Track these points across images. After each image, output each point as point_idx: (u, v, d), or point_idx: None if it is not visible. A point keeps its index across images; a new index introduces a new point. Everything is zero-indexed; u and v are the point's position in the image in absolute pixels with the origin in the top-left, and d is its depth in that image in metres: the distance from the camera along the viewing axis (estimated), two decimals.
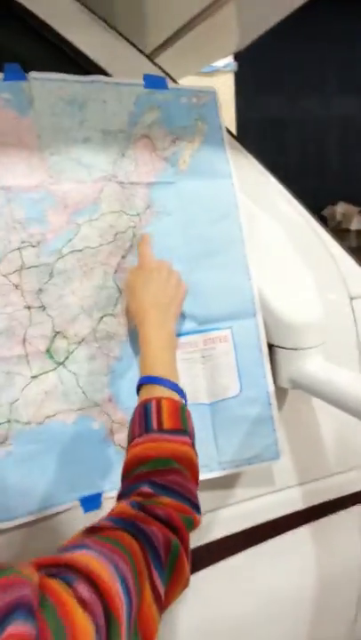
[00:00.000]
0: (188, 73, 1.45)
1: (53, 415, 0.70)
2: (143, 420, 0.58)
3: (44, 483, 0.69)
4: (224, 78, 2.70)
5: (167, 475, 0.53)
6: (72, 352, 0.71)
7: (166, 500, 0.51)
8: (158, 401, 0.59)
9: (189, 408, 0.61)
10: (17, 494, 0.68)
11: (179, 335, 0.77)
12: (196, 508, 0.54)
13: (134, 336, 0.73)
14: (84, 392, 0.71)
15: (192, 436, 0.60)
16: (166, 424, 0.57)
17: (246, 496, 0.84)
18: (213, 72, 2.50)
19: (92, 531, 0.45)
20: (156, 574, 0.43)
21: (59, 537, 0.72)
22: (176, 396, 0.61)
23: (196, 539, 0.81)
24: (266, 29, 1.07)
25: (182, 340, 0.77)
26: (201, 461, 0.75)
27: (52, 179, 0.70)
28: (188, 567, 0.48)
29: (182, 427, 0.58)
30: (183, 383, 0.76)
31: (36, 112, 0.70)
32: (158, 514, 0.48)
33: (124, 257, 0.74)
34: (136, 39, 1.09)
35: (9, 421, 0.68)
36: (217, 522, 0.83)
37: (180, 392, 0.63)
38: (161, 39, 1.11)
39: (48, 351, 0.70)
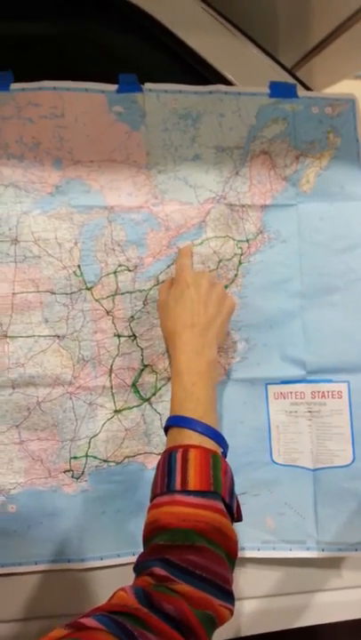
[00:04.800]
0: (344, 77, 1.31)
1: (133, 456, 0.64)
2: (166, 475, 0.48)
3: (117, 528, 0.64)
4: None
5: (186, 552, 0.43)
6: (159, 389, 0.65)
7: (183, 587, 0.40)
8: (185, 451, 0.49)
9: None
10: (88, 535, 0.64)
11: (283, 383, 0.66)
12: (226, 595, 0.43)
13: None
14: None
15: (229, 497, 0.48)
16: (192, 483, 0.47)
17: (352, 583, 0.69)
18: None
19: (74, 626, 0.35)
20: None
21: None
22: (209, 443, 0.50)
23: (288, 621, 0.69)
24: None
25: (286, 388, 0.66)
26: (296, 536, 0.65)
27: (156, 199, 0.65)
28: None
29: (213, 487, 0.47)
30: (284, 440, 0.65)
31: (148, 127, 0.65)
32: (167, 610, 0.38)
33: (226, 287, 0.66)
34: (286, 43, 0.99)
35: (86, 456, 0.64)
36: (313, 606, 0.70)
37: (217, 437, 0.51)
38: (316, 40, 0.99)
39: (134, 385, 0.65)
